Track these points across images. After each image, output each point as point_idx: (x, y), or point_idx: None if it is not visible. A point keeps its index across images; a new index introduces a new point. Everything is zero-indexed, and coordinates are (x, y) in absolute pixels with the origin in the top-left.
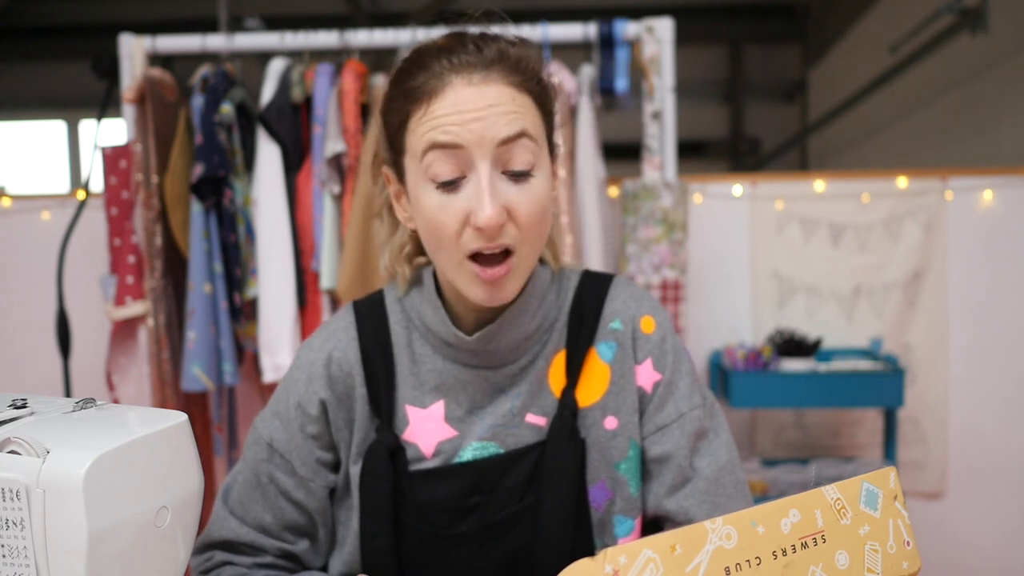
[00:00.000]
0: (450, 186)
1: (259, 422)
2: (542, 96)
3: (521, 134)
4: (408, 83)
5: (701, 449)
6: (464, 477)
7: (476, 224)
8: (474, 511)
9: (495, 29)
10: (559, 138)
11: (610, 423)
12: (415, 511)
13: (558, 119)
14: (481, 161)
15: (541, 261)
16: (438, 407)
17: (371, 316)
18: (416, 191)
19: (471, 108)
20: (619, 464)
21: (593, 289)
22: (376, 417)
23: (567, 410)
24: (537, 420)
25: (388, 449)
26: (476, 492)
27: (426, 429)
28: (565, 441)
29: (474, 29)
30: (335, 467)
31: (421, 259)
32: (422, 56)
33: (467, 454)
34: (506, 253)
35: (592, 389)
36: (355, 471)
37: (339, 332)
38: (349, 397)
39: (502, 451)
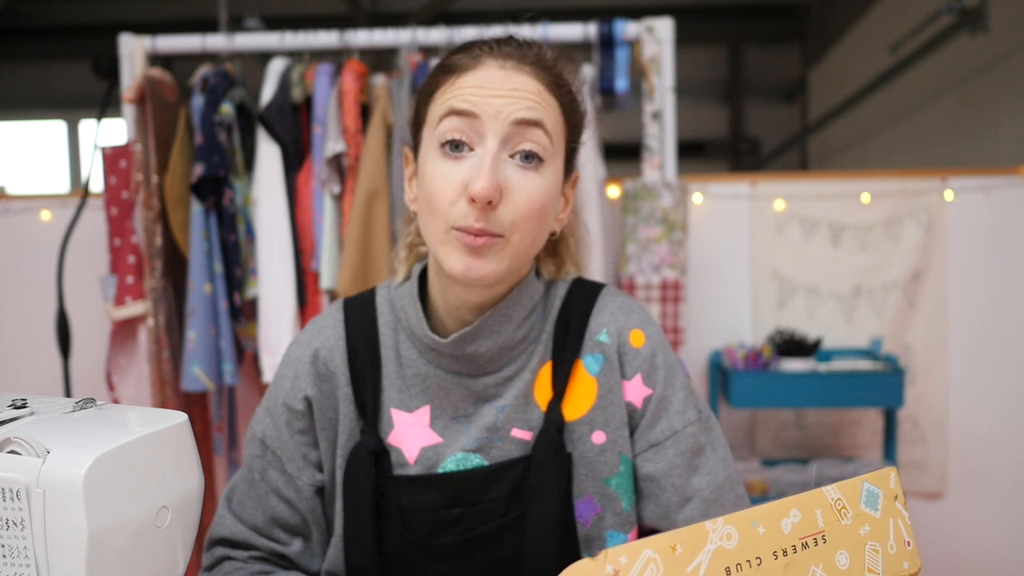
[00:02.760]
0: (456, 154)
1: (254, 420)
2: (569, 107)
3: (538, 123)
4: (446, 62)
5: (699, 467)
6: (446, 487)
7: (470, 192)
8: (456, 523)
9: (507, 29)
10: (578, 160)
11: (598, 438)
12: (397, 516)
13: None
14: (491, 136)
15: (538, 274)
16: (424, 412)
17: (360, 315)
18: (425, 160)
19: (496, 86)
20: (609, 480)
21: (580, 299)
22: (361, 419)
23: (553, 425)
24: (523, 435)
25: (371, 451)
26: (458, 503)
27: (411, 434)
28: (551, 456)
29: (497, 30)
30: (321, 465)
31: (422, 248)
32: (469, 43)
33: (450, 464)
34: (496, 236)
35: (579, 403)
36: (340, 472)
37: (327, 329)
38: (334, 395)
39: (486, 464)
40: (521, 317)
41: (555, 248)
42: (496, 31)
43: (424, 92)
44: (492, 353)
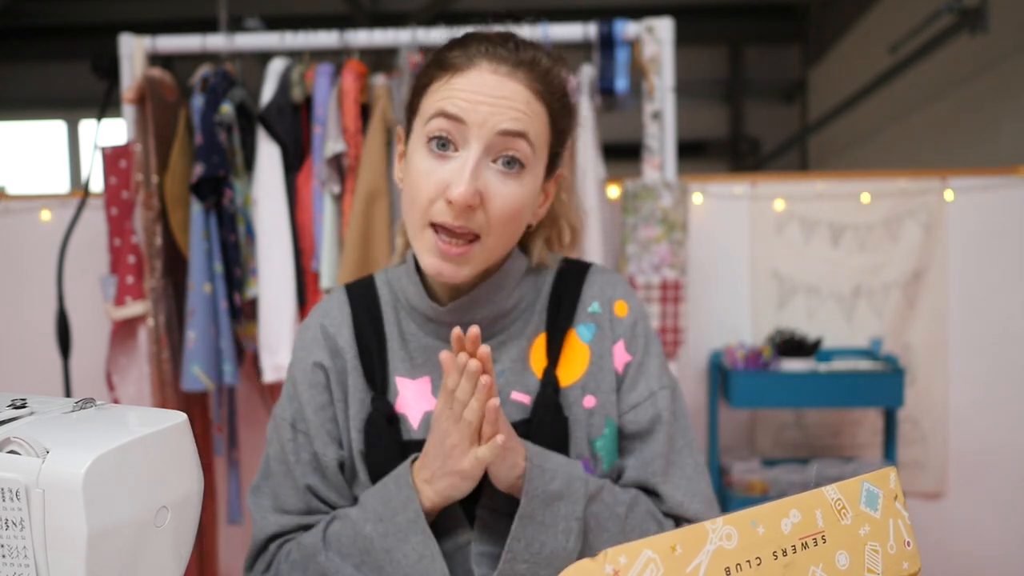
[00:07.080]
0: (441, 152)
1: (277, 409)
2: (559, 114)
3: (522, 134)
4: (443, 54)
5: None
6: None
7: (448, 196)
8: None
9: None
10: (563, 162)
11: (589, 402)
12: None
13: (569, 143)
14: (476, 142)
15: (524, 250)
16: (425, 381)
17: (362, 295)
18: (413, 151)
19: (486, 92)
20: (595, 442)
21: (571, 275)
22: (371, 389)
23: (549, 387)
24: (521, 398)
25: (386, 418)
26: None
27: (414, 400)
28: (550, 417)
29: (499, 28)
30: (341, 440)
31: None
32: (467, 37)
33: None
34: (473, 239)
35: (572, 369)
36: (357, 444)
37: (333, 309)
38: (344, 370)
39: None
40: (511, 287)
41: (542, 230)
42: (498, 28)
43: (419, 83)
44: (487, 320)
